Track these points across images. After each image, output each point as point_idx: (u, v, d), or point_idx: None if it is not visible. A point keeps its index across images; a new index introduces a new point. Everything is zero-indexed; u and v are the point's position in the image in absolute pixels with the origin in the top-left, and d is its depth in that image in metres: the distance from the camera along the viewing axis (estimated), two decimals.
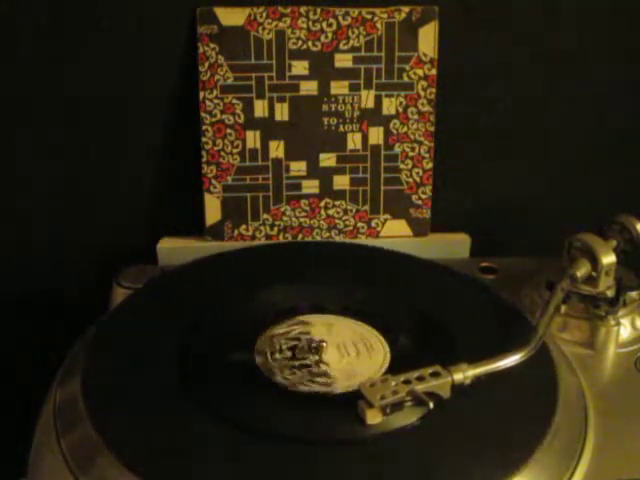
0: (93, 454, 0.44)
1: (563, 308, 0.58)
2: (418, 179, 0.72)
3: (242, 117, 0.69)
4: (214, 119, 0.69)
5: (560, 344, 0.57)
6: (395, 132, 0.71)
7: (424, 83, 0.70)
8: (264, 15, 0.68)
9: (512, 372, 0.48)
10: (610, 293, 0.57)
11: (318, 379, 0.50)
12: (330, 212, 0.72)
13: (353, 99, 0.70)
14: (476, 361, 0.48)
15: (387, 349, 0.54)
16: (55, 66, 0.69)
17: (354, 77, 0.69)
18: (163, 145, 0.72)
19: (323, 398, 0.49)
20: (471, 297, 0.61)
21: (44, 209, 0.74)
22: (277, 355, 0.52)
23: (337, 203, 0.72)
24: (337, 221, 0.72)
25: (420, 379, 0.46)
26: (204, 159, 0.70)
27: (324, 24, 0.68)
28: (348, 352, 0.53)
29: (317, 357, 0.52)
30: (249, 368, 0.52)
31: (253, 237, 0.72)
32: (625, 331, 0.58)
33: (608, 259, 0.56)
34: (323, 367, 0.51)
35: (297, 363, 0.52)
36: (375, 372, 0.51)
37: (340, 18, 0.68)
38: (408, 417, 0.46)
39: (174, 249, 0.71)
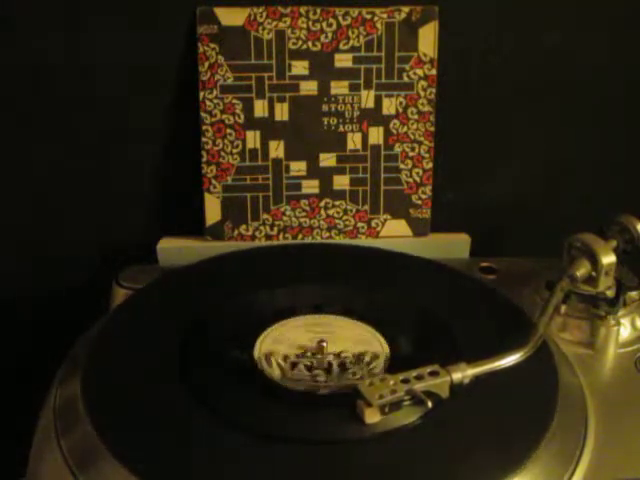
0: (93, 454, 0.44)
1: (563, 308, 0.58)
2: (418, 179, 0.72)
3: (242, 117, 0.69)
4: (214, 119, 0.69)
5: (560, 344, 0.57)
6: (395, 132, 0.71)
7: (424, 83, 0.70)
8: (264, 15, 0.68)
9: (512, 372, 0.48)
10: (610, 293, 0.57)
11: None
12: (330, 212, 0.72)
13: (353, 99, 0.70)
14: (476, 360, 0.48)
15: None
16: (55, 66, 0.69)
17: (354, 77, 0.69)
18: (163, 145, 0.72)
19: (322, 398, 0.49)
20: (471, 296, 0.61)
21: (44, 209, 0.74)
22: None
23: (337, 203, 0.72)
24: (337, 221, 0.72)
25: (419, 378, 0.46)
26: (204, 159, 0.70)
27: (324, 24, 0.68)
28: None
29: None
30: (249, 368, 0.52)
31: (253, 237, 0.72)
32: (625, 331, 0.58)
33: (608, 259, 0.56)
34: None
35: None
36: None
37: (340, 18, 0.68)
38: (407, 417, 0.46)
39: (174, 249, 0.71)
